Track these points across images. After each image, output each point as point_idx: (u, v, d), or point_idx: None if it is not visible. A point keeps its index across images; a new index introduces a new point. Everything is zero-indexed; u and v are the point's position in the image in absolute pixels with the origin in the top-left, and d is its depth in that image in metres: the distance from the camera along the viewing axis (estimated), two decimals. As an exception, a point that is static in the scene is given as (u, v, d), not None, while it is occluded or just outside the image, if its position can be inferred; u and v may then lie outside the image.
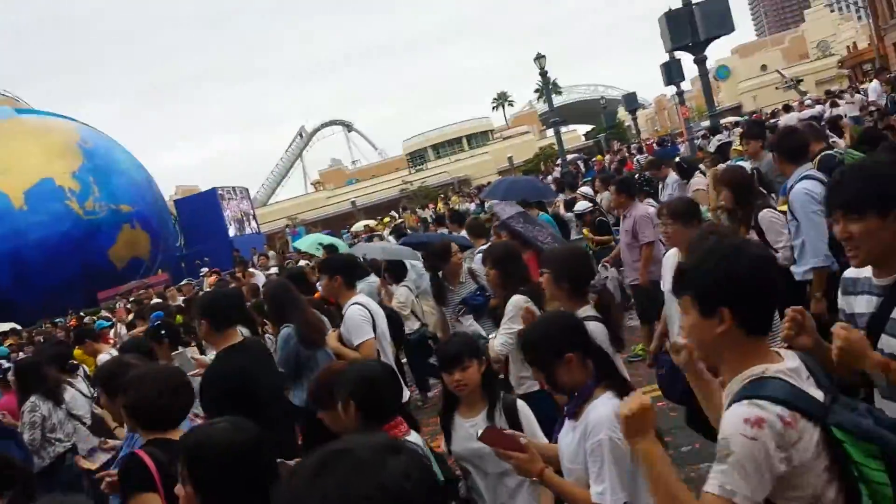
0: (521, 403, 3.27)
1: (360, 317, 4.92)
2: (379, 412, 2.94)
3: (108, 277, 25.88)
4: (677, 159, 11.65)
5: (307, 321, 5.13)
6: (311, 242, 14.69)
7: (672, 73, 21.50)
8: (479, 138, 78.29)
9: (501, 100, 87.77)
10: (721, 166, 8.08)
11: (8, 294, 24.33)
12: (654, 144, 24.92)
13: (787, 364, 1.94)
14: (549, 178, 29.17)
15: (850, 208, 2.32)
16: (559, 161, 30.27)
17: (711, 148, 14.83)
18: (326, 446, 1.19)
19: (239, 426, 2.28)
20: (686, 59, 19.21)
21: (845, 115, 16.21)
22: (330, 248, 11.53)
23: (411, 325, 8.00)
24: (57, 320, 19.50)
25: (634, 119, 44.73)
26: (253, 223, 38.58)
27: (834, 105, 19.10)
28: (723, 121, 20.36)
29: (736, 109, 56.31)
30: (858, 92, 20.15)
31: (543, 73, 28.41)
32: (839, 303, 2.60)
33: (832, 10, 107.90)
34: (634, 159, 21.53)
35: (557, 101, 45.98)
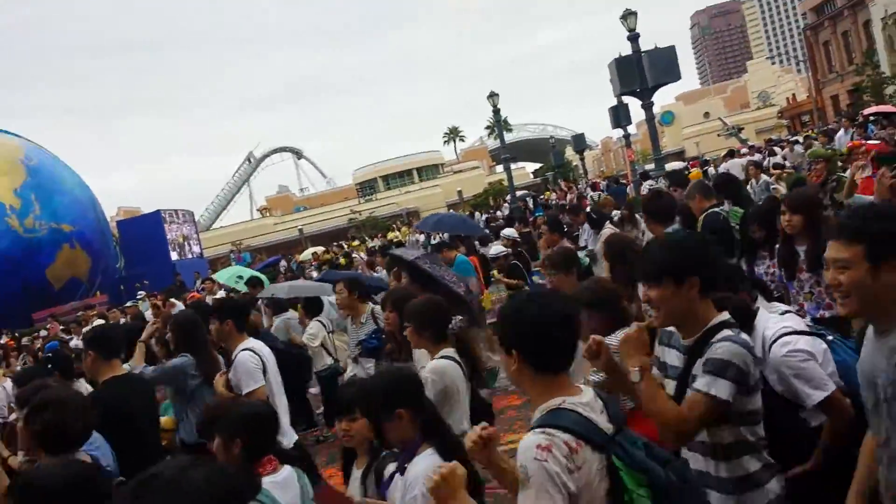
0: (397, 476, 2.96)
1: (252, 364, 4.86)
2: (262, 451, 3.06)
3: (45, 297, 25.16)
4: (588, 209, 11.97)
5: (209, 358, 5.23)
6: (230, 275, 14.53)
7: (620, 116, 22.11)
8: (429, 171, 78.85)
9: (453, 134, 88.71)
10: None
11: (-58, 312, 23.50)
12: (606, 184, 25.48)
13: (584, 398, 2.20)
14: (499, 213, 29.62)
15: (649, 276, 2.64)
16: (509, 197, 30.71)
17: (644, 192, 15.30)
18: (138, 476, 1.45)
19: (67, 464, 2.50)
20: (633, 104, 19.85)
21: (784, 160, 16.95)
22: (254, 282, 11.47)
23: (324, 361, 8.09)
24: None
25: (582, 159, 45.65)
26: (196, 247, 38.02)
27: (771, 153, 19.87)
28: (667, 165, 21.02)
29: (679, 154, 57.93)
30: (798, 143, 21.01)
31: (496, 111, 28.92)
32: (656, 350, 2.91)
33: (773, 63, 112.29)
34: (589, 196, 22.04)
35: (508, 138, 46.71)
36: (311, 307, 8.26)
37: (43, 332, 18.00)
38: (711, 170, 19.77)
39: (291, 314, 8.66)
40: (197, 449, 4.53)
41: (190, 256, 35.76)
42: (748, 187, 14.26)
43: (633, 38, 17.19)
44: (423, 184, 73.45)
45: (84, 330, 13.32)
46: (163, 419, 5.20)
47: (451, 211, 38.48)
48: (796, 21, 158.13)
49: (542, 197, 30.72)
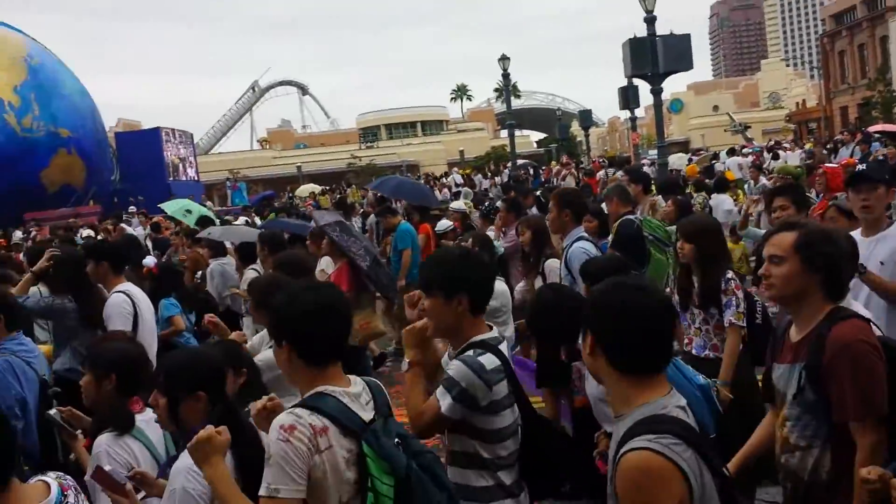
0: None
1: (123, 309, 4.91)
2: (133, 389, 3.10)
3: (37, 199, 25.18)
4: (538, 192, 11.92)
5: (91, 299, 5.15)
6: (178, 207, 14.14)
7: (629, 98, 22.06)
8: (433, 126, 78.46)
9: (460, 92, 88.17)
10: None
11: (-71, 199, 23.50)
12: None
13: (351, 389, 2.31)
14: (497, 178, 29.62)
15: (423, 287, 2.79)
16: (509, 163, 30.71)
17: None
18: None
19: None
20: (643, 87, 19.79)
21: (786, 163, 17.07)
22: (204, 221, 11.29)
23: None
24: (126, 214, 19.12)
25: (587, 136, 45.55)
26: (191, 170, 37.92)
27: (775, 157, 19.98)
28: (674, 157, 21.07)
29: (684, 144, 57.88)
30: (802, 150, 21.12)
31: (506, 75, 28.76)
32: None
33: (787, 65, 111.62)
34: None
35: (515, 104, 46.46)
36: (246, 254, 7.56)
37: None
38: (718, 165, 19.79)
39: (228, 259, 8.16)
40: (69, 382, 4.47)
41: (184, 179, 35.70)
42: (745, 188, 14.41)
43: (650, 20, 17.04)
44: (425, 138, 73.14)
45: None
46: (43, 347, 5.13)
47: (410, 177, 38.58)
48: (815, 26, 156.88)
49: (543, 168, 30.69)
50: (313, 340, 2.28)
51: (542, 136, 79.43)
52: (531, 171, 27.42)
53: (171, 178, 33.80)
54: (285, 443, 2.12)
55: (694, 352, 4.27)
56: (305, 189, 31.45)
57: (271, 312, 2.40)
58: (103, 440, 2.92)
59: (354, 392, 2.31)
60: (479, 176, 31.90)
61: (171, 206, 14.61)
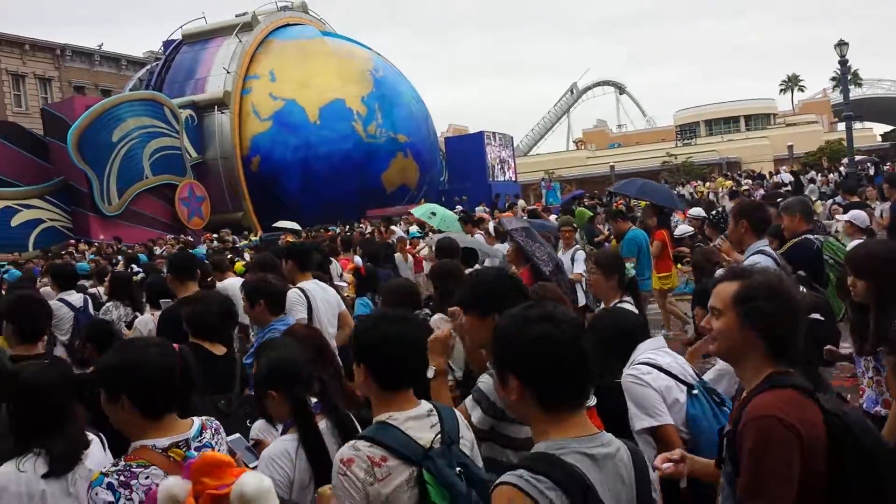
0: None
1: (296, 301, 5.49)
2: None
3: (378, 198, 28.13)
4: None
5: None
6: (425, 210, 14.91)
7: None
8: (758, 120, 73.49)
9: (791, 83, 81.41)
10: None
11: (294, 197, 27.35)
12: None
13: (414, 412, 2.43)
14: (830, 176, 27.02)
15: (461, 304, 3.04)
16: (845, 160, 27.85)
17: None
18: None
19: None
20: None
21: None
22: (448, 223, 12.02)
23: None
24: (329, 227, 21.64)
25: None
26: (510, 171, 39.57)
27: None
28: None
29: None
30: None
31: (843, 62, 26.08)
32: None
33: None
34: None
35: (855, 93, 41.90)
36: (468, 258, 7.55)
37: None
38: None
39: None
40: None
41: (502, 179, 37.38)
42: None
43: None
44: (749, 133, 68.74)
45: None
46: None
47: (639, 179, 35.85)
48: None
49: (886, 165, 27.38)
50: (389, 368, 2.44)
51: (888, 128, 70.56)
52: (871, 168, 24.59)
53: (492, 179, 35.62)
54: (343, 476, 2.31)
55: (865, 406, 3.70)
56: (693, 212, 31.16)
57: (353, 335, 2.62)
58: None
59: (417, 415, 2.45)
60: (813, 172, 29.33)
61: (419, 210, 15.56)
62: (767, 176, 30.55)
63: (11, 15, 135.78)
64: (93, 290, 9.28)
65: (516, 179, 41.07)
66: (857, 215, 8.02)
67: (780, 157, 52.92)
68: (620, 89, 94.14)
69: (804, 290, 4.79)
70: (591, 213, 14.94)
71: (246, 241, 20.49)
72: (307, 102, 29.09)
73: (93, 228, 24.86)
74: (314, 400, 3.10)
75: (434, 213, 14.04)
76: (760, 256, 4.86)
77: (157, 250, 18.12)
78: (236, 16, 32.34)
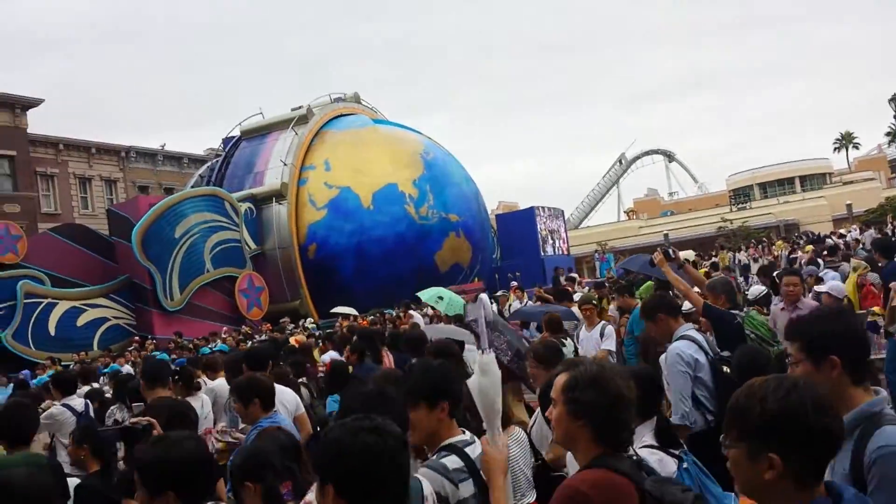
0: None
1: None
2: None
3: (432, 278, 28.26)
4: None
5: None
6: (432, 294, 14.70)
7: None
8: (813, 180, 72.51)
9: (845, 141, 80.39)
10: None
11: (350, 282, 27.72)
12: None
13: (463, 437, 3.04)
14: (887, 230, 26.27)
15: (407, 397, 3.08)
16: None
17: None
18: None
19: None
20: None
21: None
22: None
23: None
24: (386, 311, 21.75)
25: None
26: (562, 244, 39.52)
27: None
28: None
29: None
30: None
31: (901, 118, 25.71)
32: None
33: None
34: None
35: (914, 147, 41.08)
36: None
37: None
38: None
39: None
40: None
41: (551, 252, 37.29)
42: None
43: None
44: (805, 194, 67.72)
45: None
46: None
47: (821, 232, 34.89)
48: None
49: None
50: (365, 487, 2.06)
51: (950, 181, 68.68)
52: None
53: (543, 254, 35.63)
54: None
55: None
56: (685, 255, 30.79)
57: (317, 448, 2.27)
58: None
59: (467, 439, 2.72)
60: (871, 231, 28.61)
61: (426, 294, 15.26)
62: (837, 237, 29.82)
63: (80, 122, 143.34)
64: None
65: (569, 253, 40.98)
66: (836, 286, 8.10)
67: (838, 216, 51.89)
68: (669, 157, 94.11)
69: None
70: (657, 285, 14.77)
71: (301, 329, 20.73)
72: (361, 188, 29.77)
73: (156, 324, 25.49)
74: (285, 490, 3.22)
75: (441, 298, 13.94)
76: (681, 342, 5.02)
77: (213, 344, 18.42)
78: (292, 110, 33.55)
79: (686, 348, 4.99)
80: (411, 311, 16.54)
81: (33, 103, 40.32)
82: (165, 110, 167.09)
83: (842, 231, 33.67)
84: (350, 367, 7.64)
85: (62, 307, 24.33)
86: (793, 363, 2.71)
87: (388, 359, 8.33)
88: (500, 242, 36.78)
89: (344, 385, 6.78)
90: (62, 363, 17.20)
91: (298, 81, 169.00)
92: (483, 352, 3.06)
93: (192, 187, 32.85)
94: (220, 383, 7.59)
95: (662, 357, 5.36)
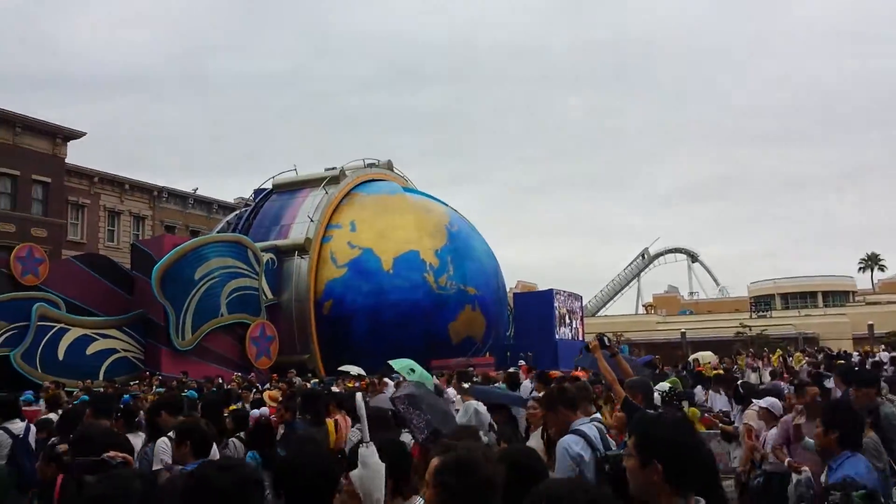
0: None
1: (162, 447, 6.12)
2: None
3: (443, 348, 28.16)
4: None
5: None
6: (404, 365, 14.42)
7: None
8: (836, 297, 71.99)
9: (871, 262, 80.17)
10: None
11: (362, 342, 27.63)
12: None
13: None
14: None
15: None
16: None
17: None
18: None
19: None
20: None
21: None
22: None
23: None
24: (394, 374, 21.53)
25: None
26: (578, 326, 39.16)
27: None
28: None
29: None
30: None
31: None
32: None
33: None
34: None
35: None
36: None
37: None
38: None
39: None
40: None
41: (567, 336, 36.97)
42: None
43: None
44: (827, 309, 67.18)
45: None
46: None
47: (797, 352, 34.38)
48: None
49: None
50: None
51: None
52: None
53: (558, 336, 35.36)
54: None
55: None
56: (706, 356, 30.48)
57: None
58: None
59: None
60: (885, 352, 28.27)
61: (398, 364, 15.17)
62: (861, 354, 29.39)
63: (115, 157, 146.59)
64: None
65: (583, 339, 40.61)
66: (773, 403, 8.31)
67: (859, 335, 51.28)
68: (693, 257, 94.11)
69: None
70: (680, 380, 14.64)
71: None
72: (383, 252, 30.00)
73: (163, 361, 25.48)
74: None
75: (413, 370, 13.85)
76: (570, 437, 5.10)
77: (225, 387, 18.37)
78: (325, 170, 34.15)
79: (574, 444, 5.05)
80: (385, 380, 16.63)
81: (75, 135, 41.38)
82: (202, 156, 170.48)
83: (866, 348, 33.29)
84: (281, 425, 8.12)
85: (74, 333, 24.43)
86: (626, 454, 2.88)
87: (346, 421, 8.69)
88: (515, 321, 36.60)
89: (264, 442, 7.18)
90: (66, 388, 17.12)
91: (333, 140, 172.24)
92: (365, 445, 3.00)
93: (219, 232, 33.29)
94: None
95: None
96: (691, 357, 31.32)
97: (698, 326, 60.96)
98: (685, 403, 14.23)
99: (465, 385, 16.25)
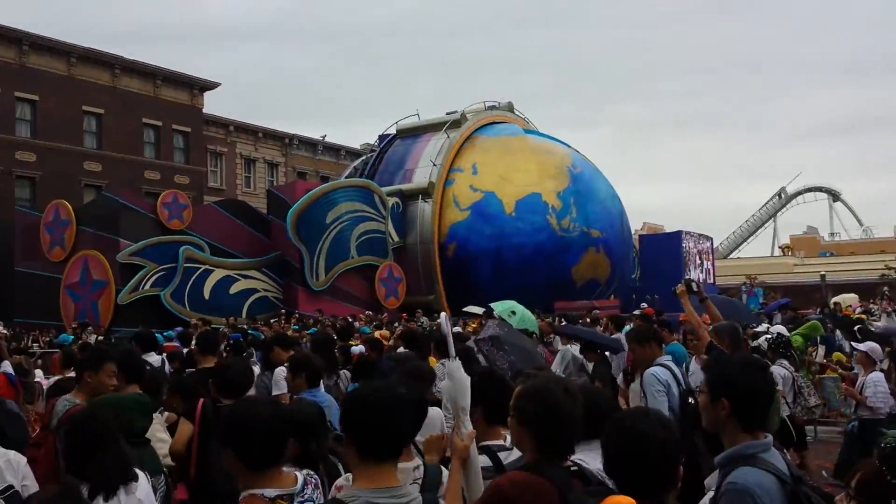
0: None
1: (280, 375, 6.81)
2: None
3: (567, 291, 28.16)
4: None
5: None
6: (505, 308, 14.23)
7: None
8: None
9: None
10: None
11: (485, 284, 28.05)
12: None
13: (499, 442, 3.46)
14: None
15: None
16: None
17: None
18: None
19: None
20: None
21: None
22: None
23: None
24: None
25: None
26: (709, 268, 38.11)
27: None
28: None
29: None
30: None
31: None
32: None
33: None
34: None
35: None
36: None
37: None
38: None
39: None
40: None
41: (698, 280, 36.00)
42: None
43: None
44: (985, 249, 62.08)
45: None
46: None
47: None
48: None
49: None
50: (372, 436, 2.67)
51: None
52: None
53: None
54: None
55: None
56: (847, 299, 29.08)
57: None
58: None
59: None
60: None
61: (500, 306, 15.02)
62: None
63: (248, 107, 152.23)
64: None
65: (714, 282, 39.53)
66: (873, 348, 8.16)
67: None
68: (835, 196, 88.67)
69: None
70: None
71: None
72: (505, 195, 30.07)
73: (300, 300, 26.84)
74: None
75: (514, 313, 13.95)
76: (657, 368, 5.69)
77: (357, 325, 19.27)
78: (447, 114, 34.36)
79: (661, 373, 5.60)
80: (489, 321, 17.14)
81: (210, 86, 43.41)
82: (330, 103, 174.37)
83: None
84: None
85: (217, 274, 26.06)
86: (700, 391, 3.12)
87: None
88: (641, 263, 35.99)
89: (364, 374, 7.52)
90: (212, 326, 18.44)
91: (454, 85, 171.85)
92: (452, 359, 3.18)
93: (347, 178, 34.32)
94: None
95: (637, 381, 6.08)
96: (832, 300, 29.95)
97: (839, 269, 57.85)
98: (821, 348, 13.80)
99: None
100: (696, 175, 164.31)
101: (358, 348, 9.77)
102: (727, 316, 10.10)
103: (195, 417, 5.26)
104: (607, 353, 8.90)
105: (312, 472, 3.07)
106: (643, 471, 2.49)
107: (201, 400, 5.42)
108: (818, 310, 24.17)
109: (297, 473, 2.91)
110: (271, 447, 2.77)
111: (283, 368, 6.74)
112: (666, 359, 5.91)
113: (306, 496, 2.83)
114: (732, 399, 2.82)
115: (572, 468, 2.94)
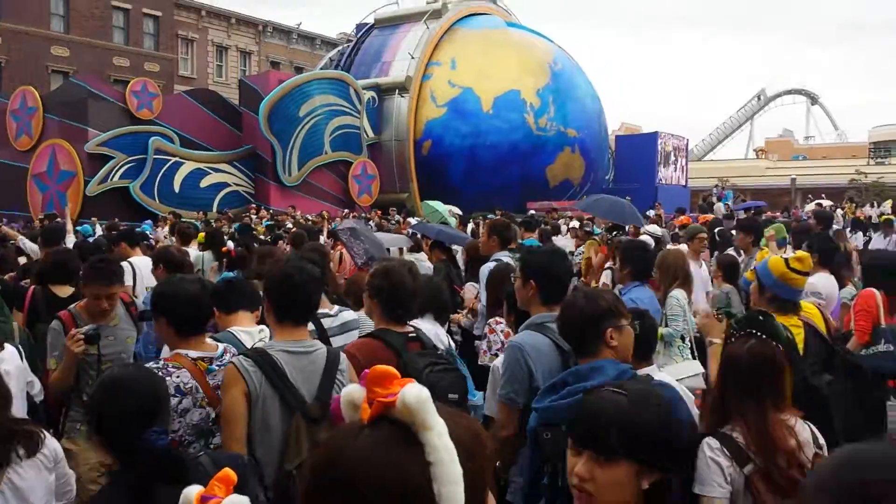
0: None
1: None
2: None
3: (539, 191, 28.29)
4: None
5: None
6: (432, 206, 17.17)
7: None
8: (967, 145, 66.92)
9: None
10: None
11: (458, 183, 28.05)
12: None
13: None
14: None
15: None
16: None
17: None
18: None
19: None
20: None
21: None
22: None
23: None
24: (488, 215, 21.95)
25: None
26: (680, 174, 38.27)
27: None
28: None
29: None
30: None
31: None
32: None
33: None
34: None
35: None
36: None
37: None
38: None
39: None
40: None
41: (670, 182, 36.18)
42: None
43: None
44: (955, 157, 62.80)
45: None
46: None
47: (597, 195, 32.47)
48: None
49: None
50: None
51: None
52: None
53: (661, 182, 34.70)
54: None
55: None
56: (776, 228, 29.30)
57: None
58: None
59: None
60: None
61: (428, 205, 17.88)
62: None
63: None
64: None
65: (686, 184, 39.79)
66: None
67: None
68: (813, 99, 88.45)
69: None
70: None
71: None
72: (483, 91, 29.64)
73: (272, 196, 26.69)
74: None
75: (436, 211, 16.66)
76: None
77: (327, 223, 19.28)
78: (427, 2, 33.38)
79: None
80: (409, 219, 18.91)
81: (181, -33, 41.55)
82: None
83: None
84: None
85: (188, 167, 25.72)
86: (514, 276, 3.85)
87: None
88: (615, 164, 36.05)
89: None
90: (182, 220, 18.37)
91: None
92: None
93: (322, 69, 33.52)
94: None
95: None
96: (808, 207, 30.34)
97: (810, 172, 58.33)
98: (789, 248, 14.09)
99: (410, 220, 17.91)
100: (678, 75, 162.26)
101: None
102: (615, 217, 10.33)
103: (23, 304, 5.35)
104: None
105: (232, 347, 3.50)
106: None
107: (32, 287, 5.54)
108: (783, 212, 24.54)
109: (220, 344, 3.37)
110: (197, 316, 3.27)
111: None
112: (504, 254, 6.26)
113: (224, 361, 3.20)
114: (538, 280, 3.44)
115: (410, 334, 3.56)
